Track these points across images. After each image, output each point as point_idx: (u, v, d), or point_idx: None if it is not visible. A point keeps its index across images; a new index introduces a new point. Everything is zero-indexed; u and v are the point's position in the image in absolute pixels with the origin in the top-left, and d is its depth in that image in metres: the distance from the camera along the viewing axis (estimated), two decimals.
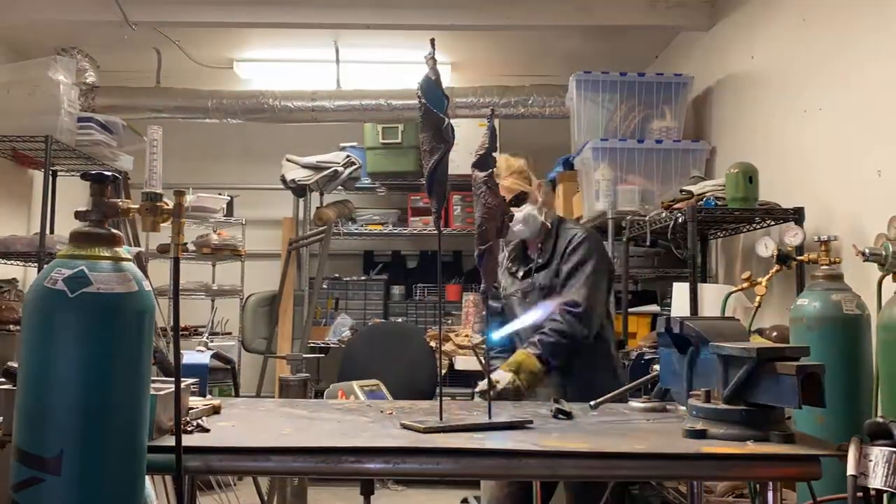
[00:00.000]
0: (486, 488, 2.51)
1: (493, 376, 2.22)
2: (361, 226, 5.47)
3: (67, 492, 1.34)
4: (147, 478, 1.46)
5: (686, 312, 3.00)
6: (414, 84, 1.61)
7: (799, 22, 3.19)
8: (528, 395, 2.26)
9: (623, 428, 1.66)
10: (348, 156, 5.17)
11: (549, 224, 2.49)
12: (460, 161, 3.46)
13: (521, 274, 2.49)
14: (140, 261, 1.42)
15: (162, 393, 1.52)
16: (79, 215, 1.51)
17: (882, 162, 2.58)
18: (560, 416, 1.75)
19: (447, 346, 4.67)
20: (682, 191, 3.30)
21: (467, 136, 3.83)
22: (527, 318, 2.29)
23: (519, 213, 2.39)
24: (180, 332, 1.40)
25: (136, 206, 1.41)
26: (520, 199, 2.43)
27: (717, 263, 3.92)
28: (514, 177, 2.46)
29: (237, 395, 2.41)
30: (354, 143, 5.31)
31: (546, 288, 2.38)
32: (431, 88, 1.60)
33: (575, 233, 2.47)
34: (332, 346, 5.06)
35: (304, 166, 5.13)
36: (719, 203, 3.05)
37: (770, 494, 1.42)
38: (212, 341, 3.67)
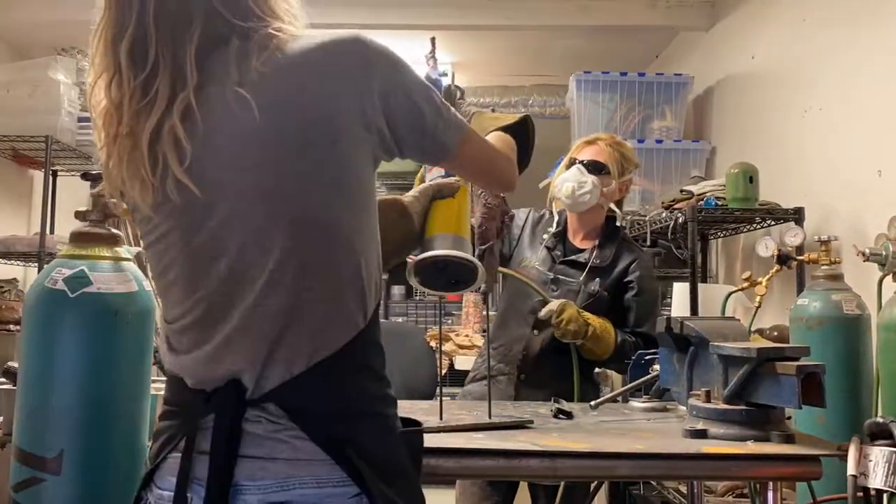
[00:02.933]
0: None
1: (553, 305, 2.06)
2: None
3: (68, 492, 1.34)
4: None
5: (686, 312, 3.00)
6: None
7: (799, 22, 3.19)
8: (586, 344, 2.08)
9: (623, 428, 1.66)
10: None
11: (604, 214, 2.33)
12: None
13: (556, 253, 2.32)
14: (140, 261, 1.42)
15: (162, 393, 1.52)
16: (79, 215, 1.52)
17: (882, 162, 2.58)
18: (560, 415, 1.75)
19: (447, 346, 4.67)
20: (682, 191, 3.30)
21: None
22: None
23: (584, 177, 2.25)
24: None
25: None
26: (596, 168, 2.29)
27: (717, 263, 3.92)
28: (611, 148, 2.32)
29: None
30: None
31: (594, 295, 2.23)
32: None
33: (642, 256, 2.35)
34: None
35: None
36: (719, 203, 3.05)
37: (770, 494, 1.42)
38: None
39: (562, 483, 2.07)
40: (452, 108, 1.16)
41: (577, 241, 2.34)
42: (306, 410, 1.03)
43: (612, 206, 2.35)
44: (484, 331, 4.56)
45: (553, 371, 2.16)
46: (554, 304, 2.09)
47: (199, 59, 1.03)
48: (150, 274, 1.14)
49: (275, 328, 1.03)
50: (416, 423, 1.18)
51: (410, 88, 1.10)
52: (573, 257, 2.31)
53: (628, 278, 2.27)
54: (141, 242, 1.13)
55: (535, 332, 2.23)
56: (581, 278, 2.25)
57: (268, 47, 1.03)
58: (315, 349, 1.04)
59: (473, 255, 1.41)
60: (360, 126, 1.06)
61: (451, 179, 1.42)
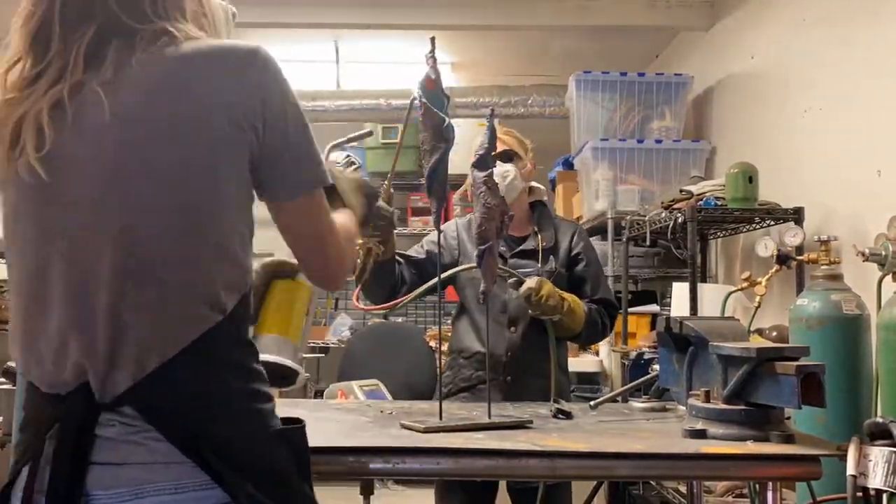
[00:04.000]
0: None
1: (531, 282, 2.07)
2: None
3: None
4: None
5: (686, 312, 3.00)
6: (414, 84, 1.61)
7: (799, 22, 3.19)
8: (562, 318, 2.10)
9: (623, 428, 1.66)
10: (348, 156, 5.11)
11: (527, 199, 2.39)
12: (460, 161, 3.46)
13: (501, 249, 2.28)
14: None
15: None
16: None
17: (882, 162, 2.58)
18: (560, 416, 1.75)
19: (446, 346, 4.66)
20: (681, 191, 3.30)
21: (467, 136, 3.82)
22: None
23: (502, 167, 2.25)
24: None
25: None
26: (507, 156, 2.32)
27: (716, 263, 3.92)
28: (508, 134, 2.37)
29: None
30: (354, 143, 5.30)
31: (554, 273, 2.26)
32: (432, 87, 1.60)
33: (577, 226, 2.43)
34: (331, 346, 5.06)
35: None
36: (719, 203, 3.05)
37: (770, 494, 1.42)
38: None
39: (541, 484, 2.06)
40: (322, 160, 1.13)
41: (514, 232, 2.36)
42: (162, 410, 0.98)
43: (534, 183, 2.43)
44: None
45: (537, 367, 2.16)
46: (532, 282, 2.08)
47: (88, 55, 1.04)
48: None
49: (112, 325, 0.98)
50: (298, 422, 1.10)
51: (293, 114, 1.09)
52: (521, 248, 2.34)
53: (576, 251, 2.33)
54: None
55: (513, 329, 2.25)
56: (539, 264, 2.28)
57: (155, 42, 1.04)
58: (165, 346, 0.98)
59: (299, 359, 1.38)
60: (235, 125, 1.03)
61: (294, 261, 1.25)
